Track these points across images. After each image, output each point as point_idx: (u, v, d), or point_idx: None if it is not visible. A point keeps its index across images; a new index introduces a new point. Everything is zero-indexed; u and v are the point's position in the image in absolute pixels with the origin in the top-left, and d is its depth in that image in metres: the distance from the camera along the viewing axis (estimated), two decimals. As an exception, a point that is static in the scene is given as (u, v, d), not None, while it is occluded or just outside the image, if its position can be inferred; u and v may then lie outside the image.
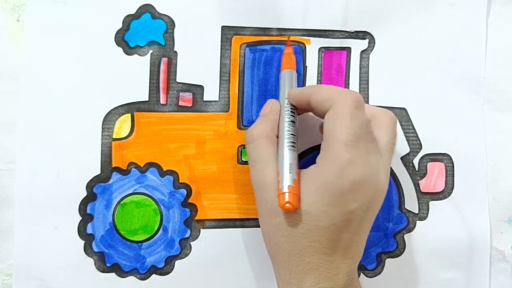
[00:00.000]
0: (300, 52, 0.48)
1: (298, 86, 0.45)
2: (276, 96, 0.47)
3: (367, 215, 0.39)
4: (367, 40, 0.49)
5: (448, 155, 0.49)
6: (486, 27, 0.50)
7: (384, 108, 0.43)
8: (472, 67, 0.49)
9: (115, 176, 0.46)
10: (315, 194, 0.37)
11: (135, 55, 0.46)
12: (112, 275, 0.46)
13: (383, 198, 0.40)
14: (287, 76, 0.45)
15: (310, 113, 0.45)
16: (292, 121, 0.41)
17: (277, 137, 0.42)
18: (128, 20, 0.46)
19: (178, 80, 0.47)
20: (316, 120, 0.46)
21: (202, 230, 0.47)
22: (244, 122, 0.47)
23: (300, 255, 0.38)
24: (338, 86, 0.48)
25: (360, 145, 0.38)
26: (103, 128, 0.46)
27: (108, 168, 0.46)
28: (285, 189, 0.38)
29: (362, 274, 0.48)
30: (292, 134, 0.41)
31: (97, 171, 0.46)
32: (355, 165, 0.37)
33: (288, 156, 0.39)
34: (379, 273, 0.49)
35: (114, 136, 0.46)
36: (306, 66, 0.48)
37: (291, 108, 0.42)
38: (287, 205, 0.37)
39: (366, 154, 0.38)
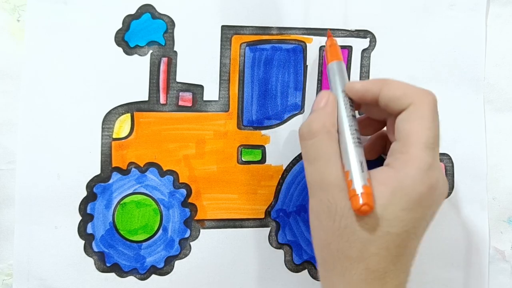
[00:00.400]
0: (301, 51, 0.48)
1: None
2: (276, 95, 0.47)
3: (431, 219, 0.38)
4: (368, 39, 0.49)
5: (447, 155, 0.49)
6: (485, 27, 0.50)
7: None
8: (472, 67, 0.49)
9: (115, 176, 0.46)
10: (391, 198, 0.35)
11: (135, 55, 0.46)
12: (112, 275, 0.46)
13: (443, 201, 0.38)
14: (338, 67, 0.42)
15: None
16: (354, 116, 0.39)
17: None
18: (128, 20, 0.46)
19: (178, 80, 0.47)
20: None
21: (202, 230, 0.47)
22: (244, 122, 0.47)
23: (365, 263, 0.35)
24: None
25: (437, 149, 0.36)
26: (103, 128, 0.46)
27: (108, 168, 0.46)
28: (360, 190, 0.35)
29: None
30: (356, 129, 0.38)
31: (97, 171, 0.46)
32: (434, 169, 0.35)
33: (357, 153, 0.36)
34: (379, 272, 0.49)
35: (114, 136, 0.46)
36: (307, 65, 0.48)
37: (349, 102, 0.39)
38: (364, 206, 0.34)
39: (438, 158, 0.37)
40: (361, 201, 0.34)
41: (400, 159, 0.36)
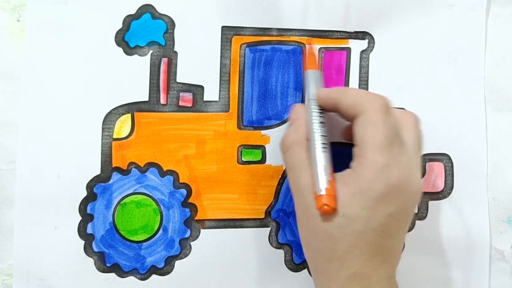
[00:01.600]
0: (300, 52, 0.48)
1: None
2: (276, 95, 0.47)
3: (404, 218, 0.39)
4: (366, 41, 0.49)
5: (447, 155, 0.49)
6: (485, 27, 0.50)
7: (405, 110, 0.43)
8: (471, 67, 0.49)
9: (115, 176, 0.46)
10: (352, 198, 0.37)
11: (135, 55, 0.46)
12: (112, 275, 0.46)
13: (419, 199, 0.40)
14: (312, 76, 0.45)
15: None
16: (322, 122, 0.41)
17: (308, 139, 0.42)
18: (128, 20, 0.46)
19: (178, 80, 0.47)
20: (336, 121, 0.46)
21: (202, 230, 0.47)
22: (244, 122, 0.47)
23: (340, 261, 0.38)
24: (338, 86, 0.48)
25: (394, 149, 0.38)
26: (103, 128, 0.46)
27: (108, 168, 0.46)
28: (321, 191, 0.37)
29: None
30: (323, 136, 0.40)
31: (97, 171, 0.46)
32: (390, 168, 0.37)
33: (321, 158, 0.39)
34: (379, 273, 0.49)
35: (115, 136, 0.46)
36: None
37: (319, 109, 0.42)
38: (325, 206, 0.37)
39: (400, 157, 0.38)
40: (323, 202, 0.37)
41: (358, 162, 0.38)
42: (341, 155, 0.41)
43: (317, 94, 0.43)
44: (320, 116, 0.42)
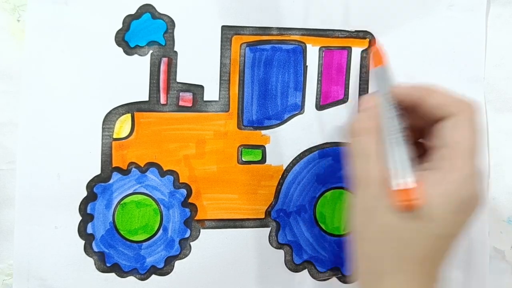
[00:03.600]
0: (301, 51, 0.48)
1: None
2: (276, 95, 0.47)
3: (464, 230, 0.38)
4: (367, 40, 0.49)
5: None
6: (485, 27, 0.50)
7: None
8: (471, 68, 0.49)
9: (116, 176, 0.46)
10: (438, 199, 0.35)
11: (135, 55, 0.46)
12: (112, 275, 0.46)
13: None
14: (384, 72, 0.43)
15: None
16: (398, 115, 0.40)
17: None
18: (128, 20, 0.46)
19: (178, 80, 0.47)
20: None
21: (202, 230, 0.47)
22: (244, 122, 0.47)
23: (406, 264, 0.36)
24: (339, 85, 0.48)
25: (476, 159, 0.37)
26: (103, 128, 0.46)
27: (108, 168, 0.46)
28: (402, 186, 0.36)
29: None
30: (401, 128, 0.39)
31: (97, 171, 0.46)
32: (476, 177, 0.36)
33: (401, 151, 0.38)
34: (379, 273, 0.49)
35: (115, 136, 0.46)
36: (307, 66, 0.48)
37: (394, 104, 0.40)
38: (406, 202, 0.35)
39: (477, 168, 0.37)
40: (407, 197, 0.35)
41: (448, 164, 0.37)
42: None
43: (394, 90, 0.41)
44: (396, 110, 0.40)
